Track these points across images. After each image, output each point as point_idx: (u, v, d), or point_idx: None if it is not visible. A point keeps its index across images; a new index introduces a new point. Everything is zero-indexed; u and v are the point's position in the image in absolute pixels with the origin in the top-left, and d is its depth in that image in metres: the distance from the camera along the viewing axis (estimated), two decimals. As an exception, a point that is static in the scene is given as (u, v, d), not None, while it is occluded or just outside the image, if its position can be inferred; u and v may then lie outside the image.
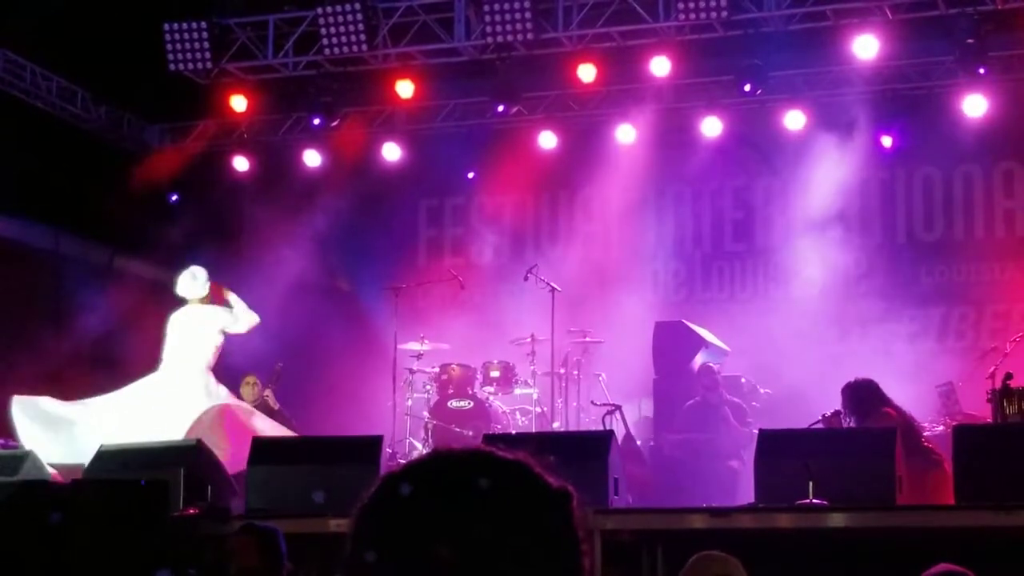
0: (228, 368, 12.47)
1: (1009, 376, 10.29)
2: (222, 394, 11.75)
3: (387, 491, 1.71)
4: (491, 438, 10.45)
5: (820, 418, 10.19)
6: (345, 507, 1.75)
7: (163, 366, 11.75)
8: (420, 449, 13.05)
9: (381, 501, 1.71)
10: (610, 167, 15.29)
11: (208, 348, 11.81)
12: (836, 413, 10.20)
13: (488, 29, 13.34)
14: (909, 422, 10.14)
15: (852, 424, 10.13)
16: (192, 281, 11.97)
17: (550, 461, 1.76)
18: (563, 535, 1.70)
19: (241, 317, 12.01)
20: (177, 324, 11.87)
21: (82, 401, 11.54)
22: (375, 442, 9.71)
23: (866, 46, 13.30)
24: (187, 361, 11.68)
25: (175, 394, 11.40)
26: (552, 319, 13.30)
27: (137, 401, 11.40)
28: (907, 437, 9.74)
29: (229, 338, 12.06)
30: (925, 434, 10.63)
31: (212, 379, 11.79)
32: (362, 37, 13.69)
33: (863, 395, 10.25)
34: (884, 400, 10.28)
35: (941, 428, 11.32)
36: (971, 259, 14.63)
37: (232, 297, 12.15)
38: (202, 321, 11.88)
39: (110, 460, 9.68)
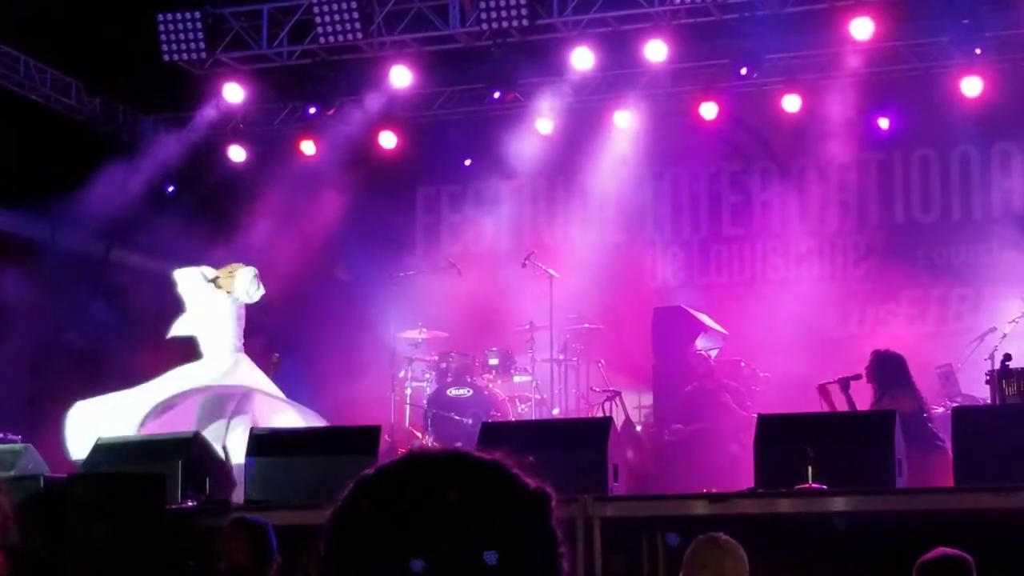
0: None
1: (1008, 357, 10.30)
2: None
3: (354, 503, 1.70)
4: (489, 427, 10.44)
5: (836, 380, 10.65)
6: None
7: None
8: (420, 438, 13.03)
9: (349, 512, 1.70)
10: (607, 152, 15.25)
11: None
12: (841, 380, 10.59)
13: (483, 16, 13.31)
14: (921, 406, 10.26)
15: (872, 391, 10.60)
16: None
17: (529, 461, 1.73)
18: (540, 538, 1.67)
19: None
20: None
21: (122, 393, 11.44)
22: (373, 432, 9.68)
23: (862, 28, 13.26)
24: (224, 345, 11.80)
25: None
26: (551, 306, 13.28)
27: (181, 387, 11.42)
28: (915, 421, 9.76)
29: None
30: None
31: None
32: (357, 25, 13.65)
33: (888, 367, 10.62)
34: (905, 379, 10.55)
35: (940, 410, 11.29)
36: (969, 240, 14.61)
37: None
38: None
39: (108, 453, 9.66)
